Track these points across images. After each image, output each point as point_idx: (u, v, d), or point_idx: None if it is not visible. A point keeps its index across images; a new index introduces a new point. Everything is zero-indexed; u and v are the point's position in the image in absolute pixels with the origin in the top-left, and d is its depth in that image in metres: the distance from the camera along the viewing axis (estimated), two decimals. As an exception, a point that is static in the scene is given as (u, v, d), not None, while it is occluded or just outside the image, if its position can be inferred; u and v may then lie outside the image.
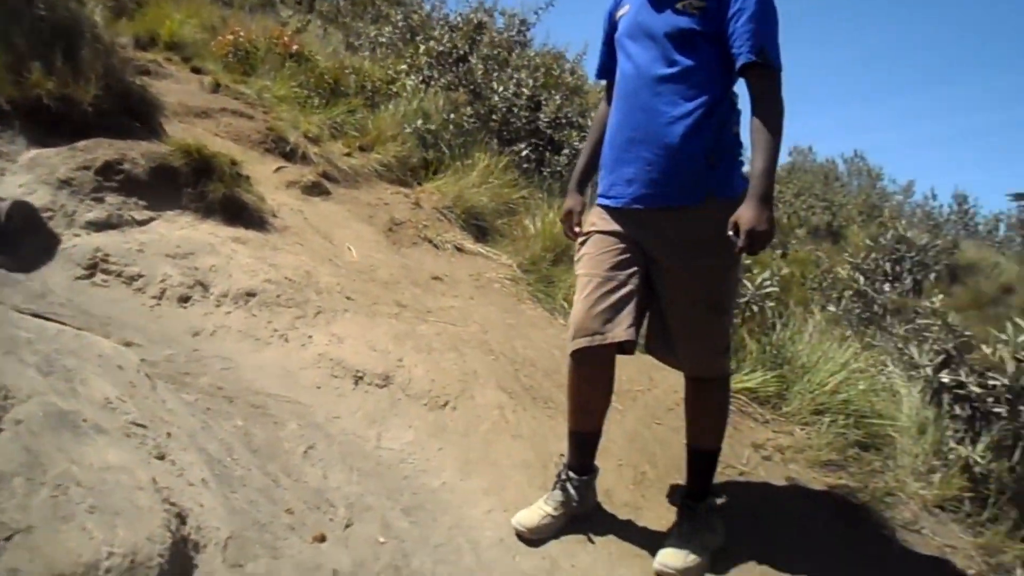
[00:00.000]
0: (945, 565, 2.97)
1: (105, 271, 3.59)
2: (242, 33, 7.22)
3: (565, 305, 4.54)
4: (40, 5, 4.93)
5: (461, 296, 4.39)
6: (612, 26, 2.69)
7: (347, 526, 2.44)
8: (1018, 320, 3.28)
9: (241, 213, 4.24)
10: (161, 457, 2.06)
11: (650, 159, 2.42)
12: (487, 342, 3.81)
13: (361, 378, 3.29)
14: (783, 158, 19.40)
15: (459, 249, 5.13)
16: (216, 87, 6.03)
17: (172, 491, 1.91)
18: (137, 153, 4.11)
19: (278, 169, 5.27)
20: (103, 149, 4.07)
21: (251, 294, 3.64)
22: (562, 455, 2.82)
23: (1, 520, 1.51)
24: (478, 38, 8.07)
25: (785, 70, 2.38)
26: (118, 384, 2.35)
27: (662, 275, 2.54)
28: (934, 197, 19.41)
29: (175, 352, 3.15)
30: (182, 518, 1.88)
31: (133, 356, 2.65)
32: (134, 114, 4.58)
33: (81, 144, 4.08)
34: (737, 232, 2.24)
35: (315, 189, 5.27)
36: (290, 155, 5.55)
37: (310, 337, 3.51)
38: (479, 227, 5.69)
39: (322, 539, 2.31)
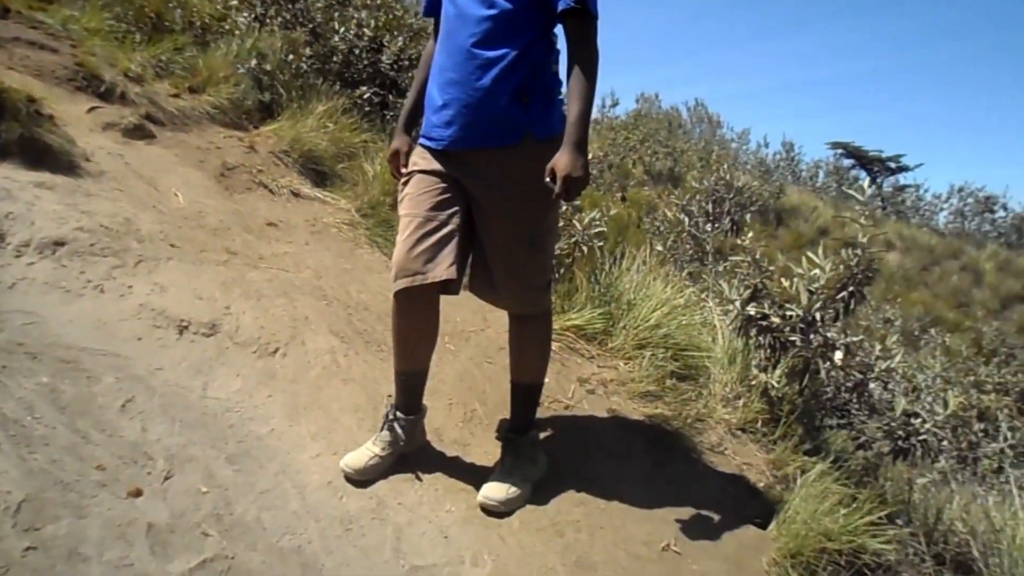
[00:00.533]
0: (740, 480, 3.30)
1: None
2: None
3: (404, 250, 4.54)
4: None
5: (296, 242, 4.29)
6: None
7: (166, 478, 2.39)
8: (810, 255, 3.59)
9: (45, 156, 3.89)
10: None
11: (465, 100, 2.46)
12: (320, 287, 3.77)
13: (186, 327, 3.17)
14: (629, 105, 20.01)
15: (296, 194, 4.99)
16: (6, 12, 5.39)
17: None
18: None
19: (91, 109, 4.87)
20: None
21: (60, 243, 3.39)
22: (390, 396, 2.86)
23: None
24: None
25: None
26: None
27: (482, 214, 2.60)
28: (766, 145, 20.80)
29: (-36, 308, 2.91)
30: (-38, 484, 1.78)
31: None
32: None
33: None
34: (554, 179, 2.33)
35: (137, 132, 4.92)
36: (106, 95, 5.14)
37: (130, 287, 3.34)
38: (318, 172, 5.54)
39: (138, 493, 2.26)
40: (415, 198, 2.59)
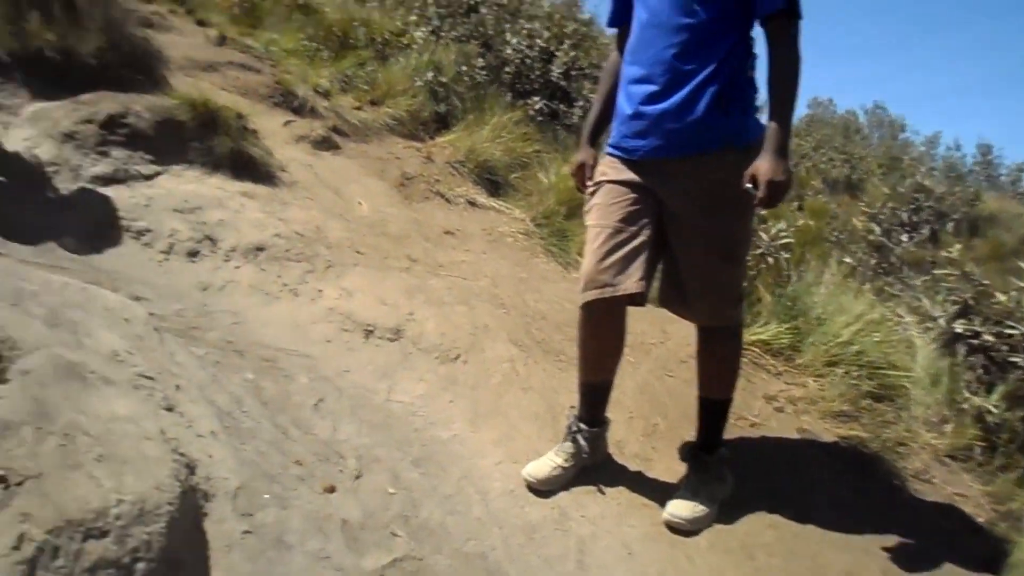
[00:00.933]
0: (954, 512, 2.96)
1: (113, 226, 3.58)
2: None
3: (578, 259, 4.49)
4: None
5: (473, 250, 4.36)
6: None
7: (357, 477, 2.45)
8: (1034, 267, 3.20)
9: (249, 167, 4.20)
10: (170, 409, 2.06)
11: (664, 110, 2.36)
12: (498, 296, 3.79)
13: (372, 332, 3.28)
14: (801, 110, 19.04)
15: (472, 203, 5.08)
16: (222, 40, 5.93)
17: (181, 442, 1.91)
18: (141, 106, 4.07)
19: (287, 123, 5.21)
20: (106, 102, 4.02)
21: (260, 248, 3.62)
22: (573, 407, 2.80)
23: (11, 467, 1.51)
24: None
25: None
26: (126, 337, 2.34)
27: (676, 225, 2.49)
28: (958, 148, 19.07)
29: (184, 307, 3.15)
30: (191, 468, 1.88)
31: (141, 310, 2.64)
32: (137, 67, 4.52)
33: (84, 97, 4.03)
34: (755, 184, 2.19)
35: (325, 143, 5.22)
36: (299, 109, 5.48)
37: (320, 291, 3.51)
38: (492, 181, 5.62)
39: (332, 490, 2.32)
40: (604, 209, 2.52)
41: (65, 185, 3.62)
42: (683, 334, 3.65)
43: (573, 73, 7.42)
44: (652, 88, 2.39)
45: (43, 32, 4.13)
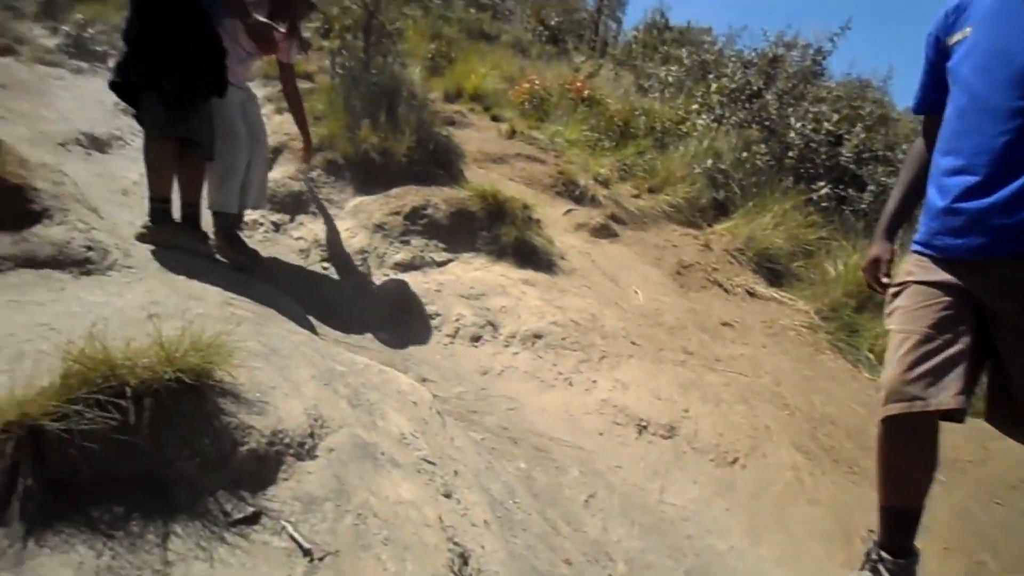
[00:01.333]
0: None
1: (407, 309, 3.90)
2: (538, 81, 7.60)
3: (871, 357, 4.06)
4: (374, 71, 5.61)
5: (752, 344, 4.11)
6: (942, 53, 2.34)
7: (627, 585, 2.33)
8: None
9: (531, 255, 4.39)
10: (448, 495, 2.12)
11: (992, 203, 2.04)
12: (780, 395, 3.51)
13: (645, 427, 3.18)
14: None
15: (751, 293, 4.84)
16: (512, 133, 6.37)
17: (456, 530, 1.95)
18: (439, 199, 4.45)
19: (567, 212, 5.40)
20: (411, 195, 4.47)
21: (538, 336, 3.72)
22: (872, 531, 2.45)
23: (315, 541, 1.62)
24: (773, 72, 7.69)
25: None
26: (413, 420, 2.48)
27: (1005, 332, 2.12)
28: None
29: (465, 390, 3.30)
30: (464, 559, 1.90)
31: (427, 393, 2.80)
32: (439, 162, 4.99)
33: (394, 191, 4.52)
34: None
35: (603, 231, 5.32)
36: (579, 198, 5.67)
37: (594, 382, 3.49)
38: (773, 270, 5.33)
39: (601, 596, 2.23)
40: (911, 312, 2.22)
41: (372, 271, 4.03)
42: (1013, 454, 3.10)
43: (865, 156, 6.91)
44: (973, 180, 2.09)
45: (369, 136, 4.73)
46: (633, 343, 3.79)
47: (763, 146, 6.92)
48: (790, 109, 7.28)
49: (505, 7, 12.84)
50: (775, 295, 4.89)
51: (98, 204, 3.56)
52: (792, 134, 6.95)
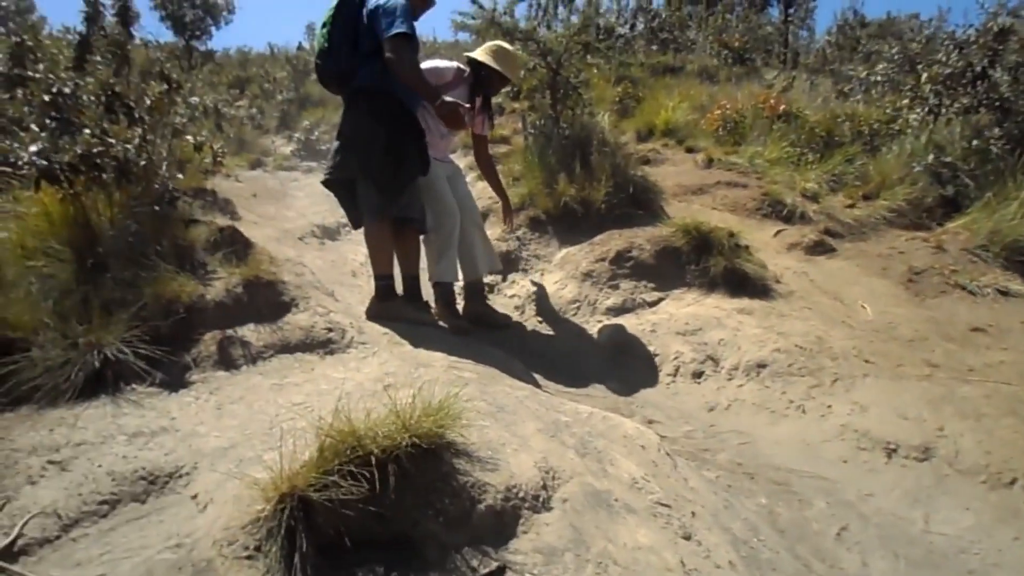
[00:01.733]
0: None
1: (625, 353, 3.90)
2: (728, 105, 7.44)
3: None
4: (563, 125, 5.80)
5: (1013, 348, 3.65)
6: None
7: (899, 625, 2.13)
8: None
9: (744, 283, 4.25)
10: (687, 537, 2.07)
11: None
12: (1059, 404, 3.07)
13: (894, 451, 2.92)
14: None
15: (1003, 293, 4.31)
16: (709, 162, 6.27)
17: (700, 573, 1.90)
18: (643, 239, 4.45)
19: (777, 233, 5.17)
20: (614, 240, 4.51)
21: (762, 365, 3.57)
22: None
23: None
24: (1000, 47, 6.88)
25: None
26: (642, 463, 2.46)
27: None
28: None
29: (692, 428, 3.23)
30: (712, 602, 1.84)
31: (654, 436, 2.78)
32: (637, 202, 5.02)
33: (597, 239, 4.59)
34: None
35: (818, 248, 5.03)
36: (788, 217, 5.42)
37: (829, 407, 3.27)
38: (1027, 264, 4.72)
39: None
40: None
41: (585, 319, 4.10)
42: None
43: None
44: None
45: (567, 189, 4.87)
46: (867, 361, 3.51)
47: (996, 129, 6.20)
48: (1028, 84, 6.46)
49: (686, 38, 12.74)
50: (1034, 291, 4.32)
51: (333, 288, 3.96)
52: (1035, 110, 6.16)
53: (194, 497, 2.03)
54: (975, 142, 6.12)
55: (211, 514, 1.87)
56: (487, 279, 4.88)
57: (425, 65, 3.93)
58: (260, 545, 1.68)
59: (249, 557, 1.67)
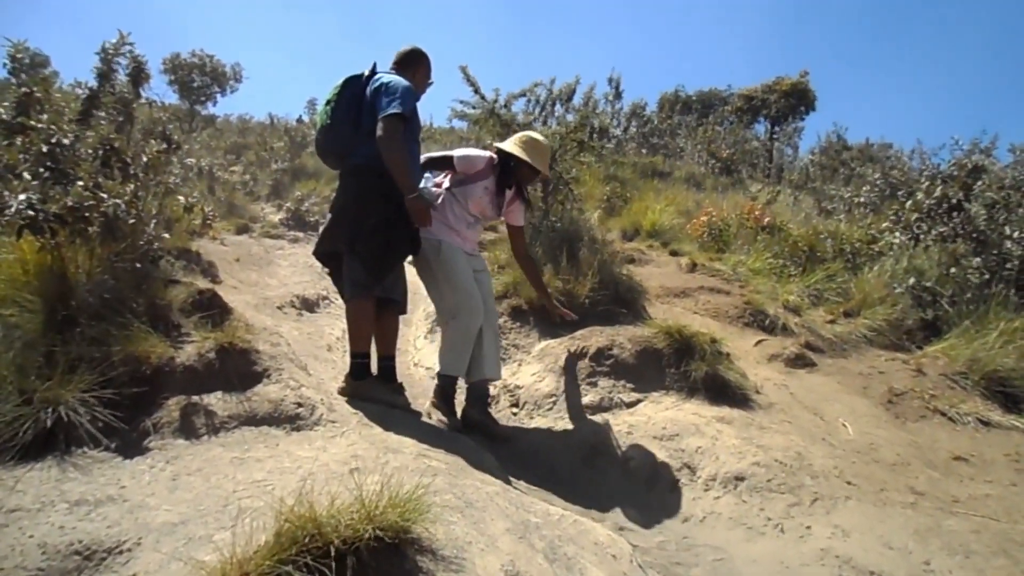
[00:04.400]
0: None
1: (600, 453, 3.76)
2: (714, 212, 7.56)
3: None
4: (553, 217, 5.81)
5: (998, 482, 3.56)
6: None
7: None
8: None
9: (724, 391, 4.16)
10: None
11: None
12: (1048, 545, 2.96)
13: (879, 583, 2.77)
14: None
15: (984, 423, 4.26)
16: (693, 267, 6.29)
17: None
18: (624, 338, 4.37)
19: (758, 343, 5.13)
20: (596, 336, 4.43)
21: (740, 478, 3.44)
22: None
23: None
24: (973, 183, 7.12)
25: None
26: (613, 574, 2.31)
27: None
28: None
29: (666, 539, 3.08)
30: None
31: (626, 545, 2.63)
32: (620, 300, 4.97)
33: (578, 333, 4.50)
34: None
35: (799, 361, 4.98)
36: (769, 327, 5.40)
37: (808, 528, 3.14)
38: (1007, 395, 4.69)
39: None
40: None
41: (561, 414, 3.97)
42: None
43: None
44: None
45: (552, 280, 4.82)
46: (849, 483, 3.40)
47: (974, 260, 6.32)
48: (1002, 218, 6.65)
49: (676, 144, 13.08)
50: (1016, 423, 4.26)
51: (307, 361, 3.82)
52: (1009, 244, 6.30)
53: (131, 579, 1.85)
54: (953, 269, 6.22)
55: (148, 601, 1.69)
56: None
57: (458, 153, 4.01)
58: (201, 638, 1.51)
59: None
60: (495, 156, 4.08)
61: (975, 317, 5.48)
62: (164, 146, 3.72)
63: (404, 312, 3.79)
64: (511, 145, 4.05)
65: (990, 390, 4.71)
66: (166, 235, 3.67)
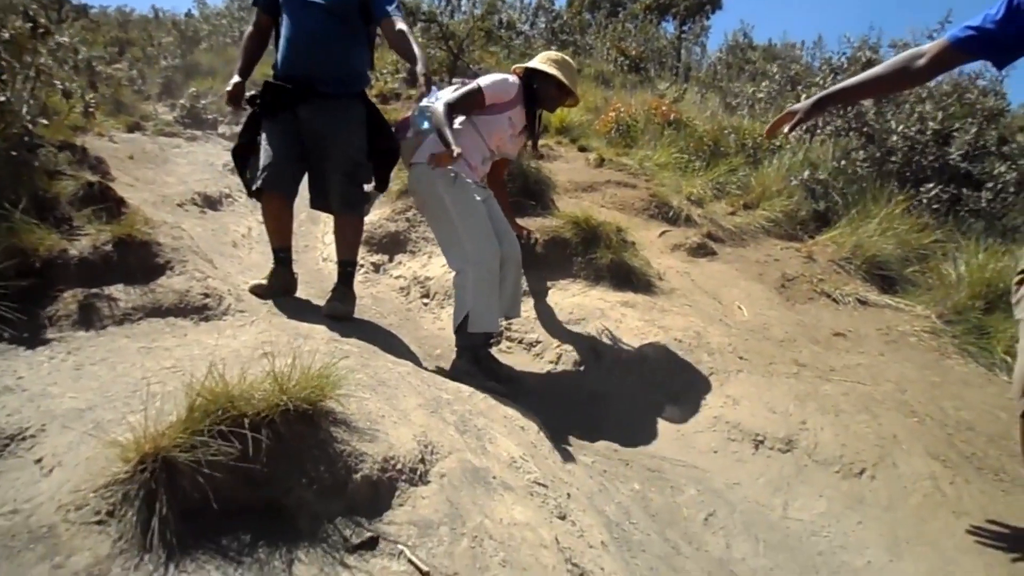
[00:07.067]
0: None
1: (509, 338, 3.91)
2: (623, 109, 7.61)
3: (1008, 360, 3.78)
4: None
5: (869, 352, 3.91)
6: None
7: (758, 604, 2.22)
8: None
9: (628, 278, 4.34)
10: (562, 517, 2.09)
11: None
12: (906, 403, 3.30)
13: (761, 442, 3.05)
14: None
15: (862, 302, 4.62)
16: (601, 162, 6.38)
17: (574, 551, 1.91)
18: (533, 227, 4.47)
19: (662, 233, 5.33)
20: (506, 226, 4.50)
21: (642, 359, 3.65)
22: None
23: (433, 564, 1.62)
24: (866, 77, 7.40)
25: None
26: (521, 444, 2.47)
27: None
28: None
29: (572, 416, 3.27)
30: (585, 578, 1.86)
31: (534, 418, 2.79)
32: (529, 193, 5.03)
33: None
34: None
35: (700, 250, 5.21)
36: (674, 219, 5.59)
37: (703, 399, 3.39)
38: (884, 277, 5.08)
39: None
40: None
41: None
42: None
43: (977, 153, 6.53)
44: None
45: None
46: (741, 358, 3.67)
47: (862, 152, 6.66)
48: (889, 113, 6.99)
49: (585, 42, 12.97)
50: (890, 302, 4.64)
51: (213, 257, 3.76)
52: (894, 138, 6.65)
53: (38, 461, 1.85)
54: (843, 163, 6.55)
55: (57, 478, 1.71)
56: (373, 258, 4.77)
57: (485, 81, 3.56)
58: (113, 510, 1.54)
59: (100, 522, 1.53)
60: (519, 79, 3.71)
61: (860, 208, 5.83)
62: (29, 26, 3.43)
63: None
64: (540, 63, 3.69)
65: (870, 273, 5.09)
66: (44, 121, 3.43)
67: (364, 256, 4.74)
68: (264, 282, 3.55)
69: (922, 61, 2.33)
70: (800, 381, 3.48)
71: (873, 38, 7.95)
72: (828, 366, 3.69)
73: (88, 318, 2.75)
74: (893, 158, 6.65)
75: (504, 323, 3.91)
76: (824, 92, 2.64)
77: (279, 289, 3.57)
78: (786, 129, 2.65)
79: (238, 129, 3.93)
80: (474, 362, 3.35)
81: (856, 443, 2.96)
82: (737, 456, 3.03)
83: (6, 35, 3.18)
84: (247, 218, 5.64)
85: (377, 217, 4.98)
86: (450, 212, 3.38)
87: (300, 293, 3.76)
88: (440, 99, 3.41)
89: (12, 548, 1.46)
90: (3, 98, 3.03)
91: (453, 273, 3.43)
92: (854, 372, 3.62)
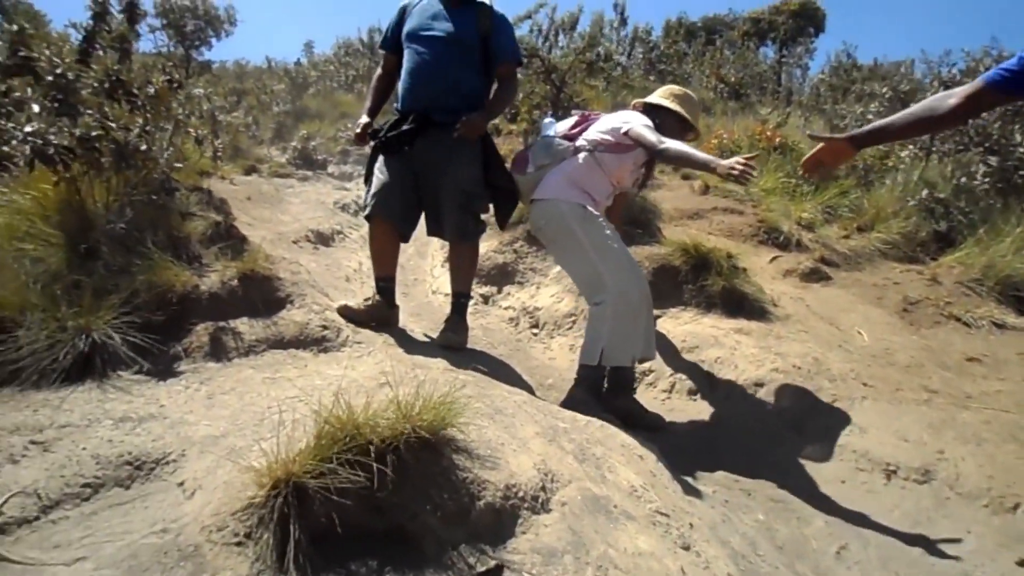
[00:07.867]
0: None
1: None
2: (725, 135, 7.49)
3: None
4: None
5: (1011, 378, 3.63)
6: None
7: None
8: None
9: (741, 304, 4.23)
10: (686, 547, 2.02)
11: None
12: (1059, 432, 3.04)
13: (894, 472, 2.88)
14: None
15: (998, 325, 4.32)
16: (706, 189, 6.28)
17: (701, 582, 1.84)
18: (641, 256, 4.43)
19: (773, 259, 5.17)
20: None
21: (759, 384, 3.53)
22: None
23: (563, 591, 1.59)
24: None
25: None
26: (641, 473, 2.41)
27: None
28: None
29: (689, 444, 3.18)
30: (716, 609, 1.78)
31: (652, 446, 2.72)
32: (635, 222, 4.99)
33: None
34: None
35: (814, 275, 5.03)
36: (784, 244, 5.43)
37: (827, 427, 3.23)
38: (1021, 299, 4.74)
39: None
40: None
41: (580, 333, 4.04)
42: None
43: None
44: None
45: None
46: (865, 384, 3.49)
47: (983, 167, 6.29)
48: (1015, 126, 6.58)
49: (683, 70, 12.89)
50: (1029, 325, 4.33)
51: (327, 290, 3.90)
52: (1021, 150, 6.25)
53: (181, 484, 1.95)
54: (964, 180, 6.20)
55: (199, 500, 1.79)
56: (482, 290, 4.81)
57: (643, 118, 3.49)
58: (251, 532, 1.60)
59: (239, 544, 1.59)
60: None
61: (988, 225, 5.49)
62: (168, 79, 3.70)
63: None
64: (660, 97, 3.64)
65: (1004, 295, 4.75)
66: (179, 164, 3.68)
67: (473, 288, 4.80)
68: (357, 306, 3.52)
69: (952, 100, 2.27)
70: (932, 408, 3.27)
71: (995, 51, 7.50)
72: (963, 393, 3.45)
73: (218, 349, 2.89)
74: (1021, 172, 6.24)
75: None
76: (855, 131, 2.59)
77: (373, 318, 3.55)
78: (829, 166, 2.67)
79: (347, 169, 4.08)
80: (591, 391, 3.27)
81: (1005, 475, 2.74)
82: (867, 487, 2.86)
83: (151, 90, 3.43)
84: (357, 253, 5.83)
85: (485, 249, 5.04)
86: (584, 245, 3.31)
87: (412, 325, 3.83)
88: (558, 130, 3.60)
89: (165, 564, 1.54)
90: (146, 147, 3.26)
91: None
92: (995, 399, 3.37)
